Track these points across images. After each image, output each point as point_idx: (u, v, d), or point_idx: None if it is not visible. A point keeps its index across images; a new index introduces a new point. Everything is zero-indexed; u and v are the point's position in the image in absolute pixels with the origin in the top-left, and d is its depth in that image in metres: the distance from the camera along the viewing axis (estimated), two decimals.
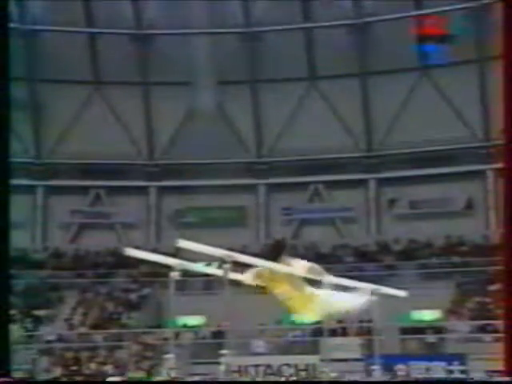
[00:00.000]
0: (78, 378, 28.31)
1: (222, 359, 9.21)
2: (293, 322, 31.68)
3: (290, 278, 9.83)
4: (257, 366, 27.49)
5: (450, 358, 27.20)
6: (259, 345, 29.80)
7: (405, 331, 29.66)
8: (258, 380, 26.68)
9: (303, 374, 26.80)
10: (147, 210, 37.89)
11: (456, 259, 33.05)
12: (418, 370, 26.79)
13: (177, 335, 28.50)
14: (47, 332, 31.81)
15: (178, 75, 36.27)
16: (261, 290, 10.06)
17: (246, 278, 9.92)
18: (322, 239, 36.25)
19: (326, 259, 31.49)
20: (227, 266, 9.15)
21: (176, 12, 35.99)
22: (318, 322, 29.15)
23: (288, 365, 27.32)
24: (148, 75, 37.16)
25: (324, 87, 36.86)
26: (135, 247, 17.18)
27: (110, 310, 33.25)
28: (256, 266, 9.91)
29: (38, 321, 32.38)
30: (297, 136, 36.43)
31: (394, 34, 35.03)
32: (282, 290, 9.86)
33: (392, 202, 36.46)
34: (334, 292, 10.13)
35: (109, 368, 29.19)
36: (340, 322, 29.49)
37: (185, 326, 30.96)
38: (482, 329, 28.88)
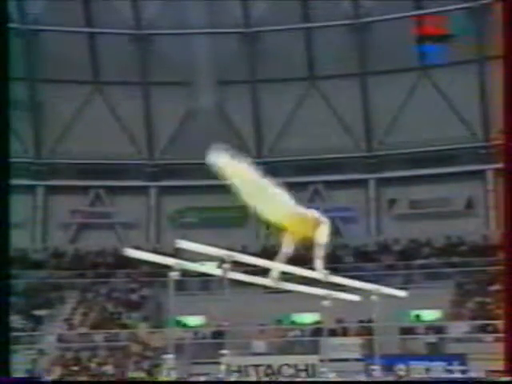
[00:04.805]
0: (78, 378, 28.32)
1: (222, 359, 9.22)
2: (293, 322, 31.70)
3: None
4: (257, 365, 27.48)
5: (449, 358, 27.17)
6: (259, 345, 29.78)
7: (405, 331, 29.66)
8: (258, 380, 26.69)
9: (303, 374, 26.80)
10: (147, 210, 37.87)
11: (456, 259, 33.03)
12: (417, 370, 26.78)
13: (177, 335, 28.51)
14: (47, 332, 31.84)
15: (178, 75, 36.25)
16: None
17: None
18: None
19: (326, 259, 31.42)
20: (227, 265, 9.16)
21: (176, 12, 35.99)
22: (317, 322, 29.29)
23: (288, 365, 27.31)
24: (148, 75, 37.14)
25: (324, 87, 36.84)
26: (135, 247, 17.22)
27: (110, 309, 33.24)
28: (256, 267, 9.91)
29: (37, 321, 32.38)
30: (297, 136, 36.40)
31: (393, 34, 35.00)
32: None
33: (392, 202, 36.45)
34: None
35: (109, 368, 29.19)
36: (340, 321, 29.52)
37: (185, 325, 30.97)
38: (482, 329, 28.87)
